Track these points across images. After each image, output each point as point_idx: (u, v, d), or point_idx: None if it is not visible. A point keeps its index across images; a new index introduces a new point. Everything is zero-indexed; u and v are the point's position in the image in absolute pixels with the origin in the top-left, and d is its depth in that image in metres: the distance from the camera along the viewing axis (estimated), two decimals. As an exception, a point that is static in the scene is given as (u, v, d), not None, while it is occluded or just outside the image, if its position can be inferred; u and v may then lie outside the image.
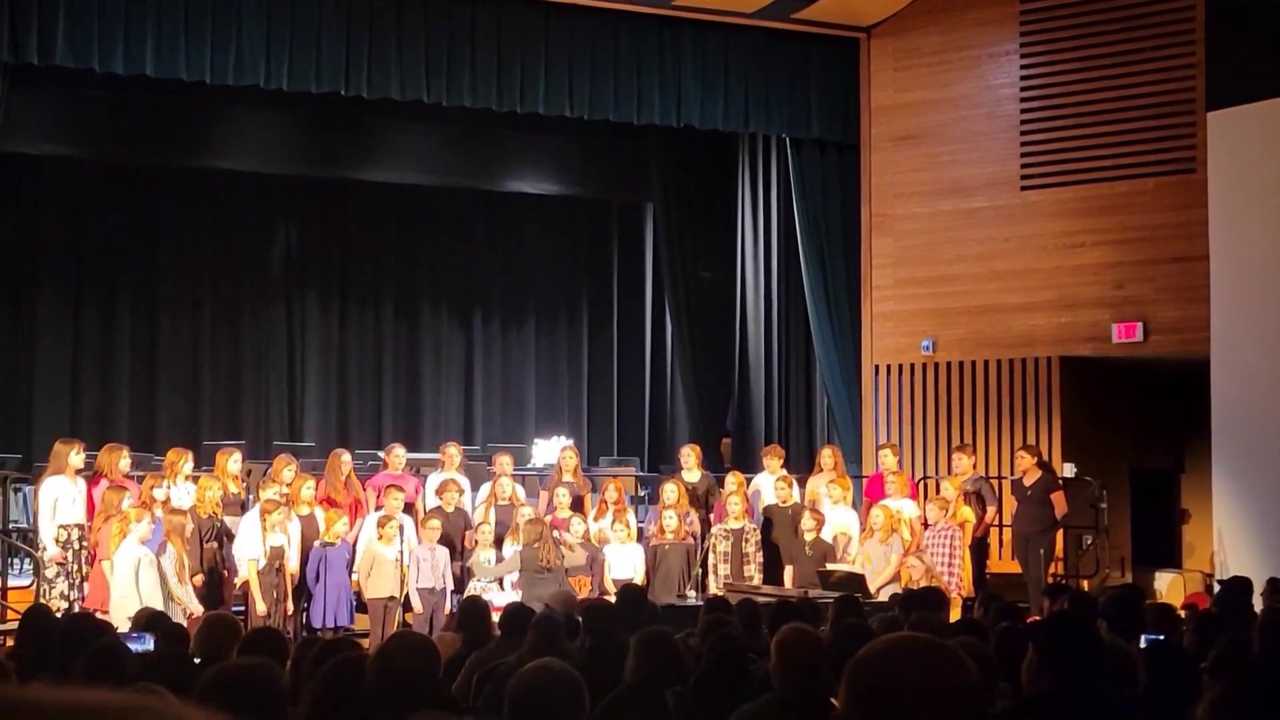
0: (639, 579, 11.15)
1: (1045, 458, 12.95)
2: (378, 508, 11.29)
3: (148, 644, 6.29)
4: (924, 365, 14.73)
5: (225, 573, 10.65)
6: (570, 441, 14.89)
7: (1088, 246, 13.91)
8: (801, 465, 14.23)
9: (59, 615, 9.06)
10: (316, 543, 10.67)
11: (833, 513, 12.06)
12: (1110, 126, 13.81)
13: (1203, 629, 6.26)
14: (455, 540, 11.45)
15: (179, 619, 8.63)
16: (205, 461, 11.92)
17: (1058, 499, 12.16)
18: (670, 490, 11.95)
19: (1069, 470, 13.43)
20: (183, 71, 12.50)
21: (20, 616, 8.17)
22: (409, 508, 11.53)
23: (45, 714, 0.67)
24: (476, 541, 11.39)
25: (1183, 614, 8.32)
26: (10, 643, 8.53)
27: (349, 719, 3.63)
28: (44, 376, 16.19)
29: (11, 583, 11.40)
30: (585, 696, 3.35)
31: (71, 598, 10.16)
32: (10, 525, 12.08)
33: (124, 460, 10.90)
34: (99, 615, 8.53)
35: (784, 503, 12.19)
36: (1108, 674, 4.19)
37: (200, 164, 16.50)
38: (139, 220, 16.68)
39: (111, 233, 16.58)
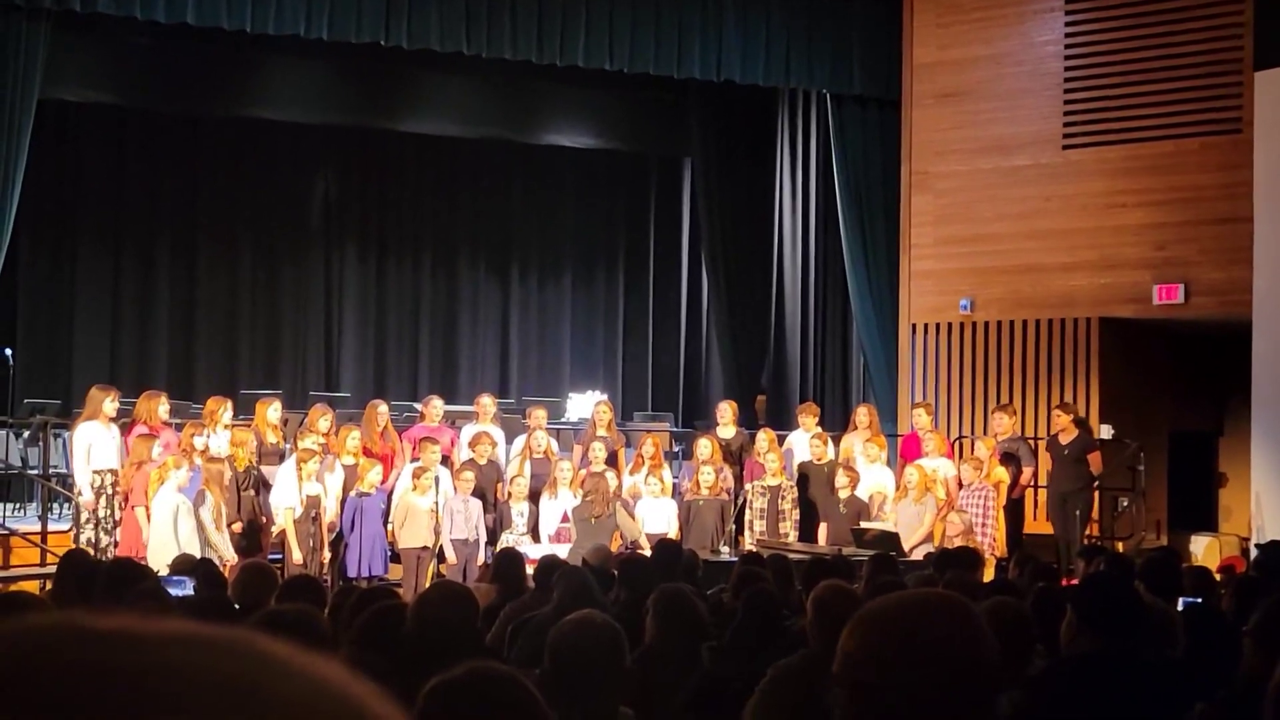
0: (672, 534, 11.16)
1: (1082, 416, 12.88)
2: (413, 459, 11.34)
3: (187, 588, 6.35)
4: (962, 324, 14.65)
5: (263, 520, 10.72)
6: (605, 396, 14.91)
7: (1130, 207, 13.77)
8: (836, 423, 14.20)
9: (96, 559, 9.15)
10: (352, 492, 10.73)
11: (868, 471, 12.04)
12: (1155, 85, 13.64)
13: (1241, 592, 6.22)
14: (488, 492, 11.49)
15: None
16: (244, 410, 11.98)
17: (1094, 458, 12.10)
18: (705, 446, 11.95)
19: (1107, 432, 13.36)
20: (224, 20, 12.49)
21: (59, 560, 8.25)
22: (444, 460, 11.57)
23: (137, 646, 0.66)
24: (510, 494, 11.43)
25: (1218, 577, 8.29)
26: (50, 586, 8.62)
27: (389, 666, 3.65)
28: (84, 323, 16.31)
29: (51, 527, 11.51)
30: (626, 649, 3.35)
31: (102, 543, 10.21)
32: (50, 470, 12.21)
33: (163, 407, 10.97)
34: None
35: (819, 460, 12.18)
36: (1148, 635, 4.18)
37: (240, 113, 16.53)
38: (179, 169, 16.75)
39: (152, 181, 16.65)
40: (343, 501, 10.74)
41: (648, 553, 9.80)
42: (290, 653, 0.69)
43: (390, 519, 10.95)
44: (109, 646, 0.66)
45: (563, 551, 10.08)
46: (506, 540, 10.91)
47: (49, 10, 12.15)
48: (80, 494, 10.35)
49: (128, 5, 12.19)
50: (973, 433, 14.06)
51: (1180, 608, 5.84)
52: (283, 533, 10.49)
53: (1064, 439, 12.22)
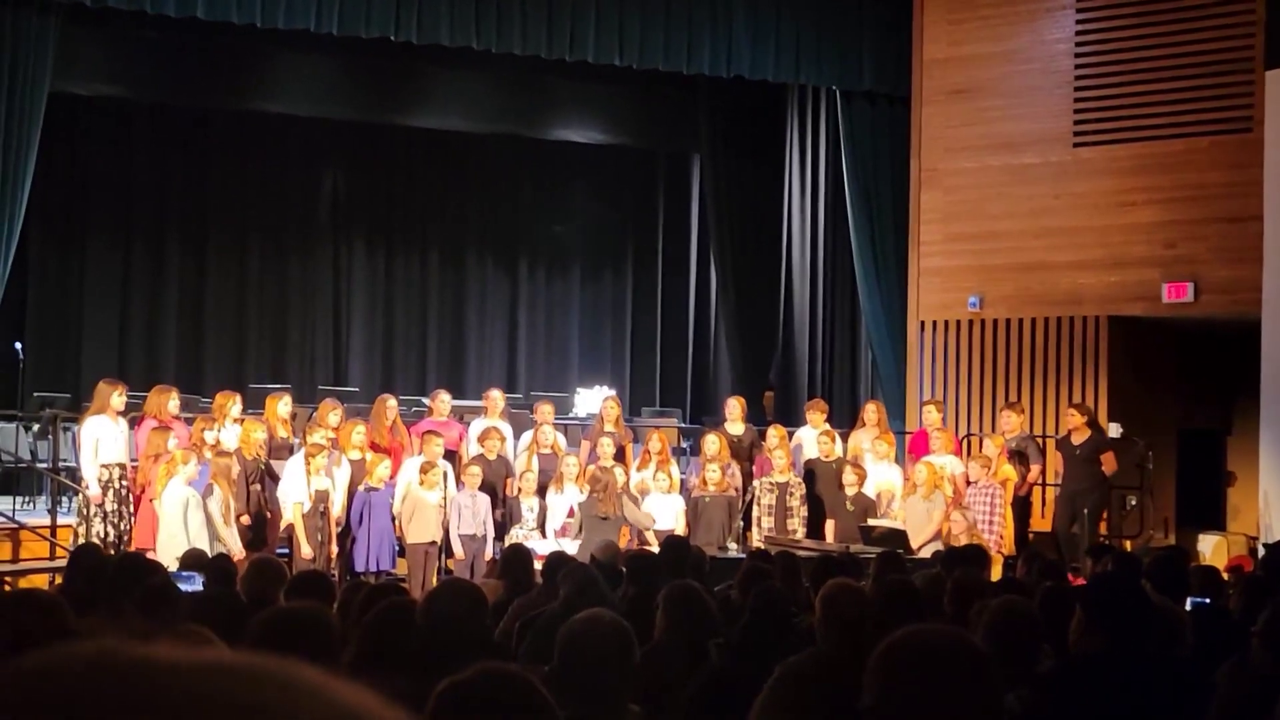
0: (680, 530, 11.17)
1: (1095, 417, 12.85)
2: (420, 453, 11.35)
3: (197, 584, 6.36)
4: (970, 322, 14.64)
5: (270, 515, 10.73)
6: (613, 391, 14.92)
7: (1139, 205, 13.75)
8: (844, 420, 14.20)
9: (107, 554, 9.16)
10: (360, 487, 10.74)
11: (876, 469, 12.03)
12: (1166, 84, 13.62)
13: (1249, 592, 6.21)
14: (497, 488, 11.50)
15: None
16: (252, 405, 12.00)
17: (1107, 459, 12.07)
18: (712, 442, 11.94)
19: (1115, 430, 13.34)
20: (234, 14, 12.51)
21: (69, 554, 8.26)
22: (452, 454, 11.58)
23: (173, 675, 0.67)
24: (519, 489, 11.44)
25: (1226, 576, 8.28)
26: (59, 580, 8.64)
27: (398, 663, 3.66)
28: (93, 317, 16.34)
29: (60, 521, 11.53)
30: (635, 648, 3.36)
31: (108, 537, 10.21)
32: (59, 464, 12.23)
33: (173, 402, 10.98)
34: (147, 555, 8.61)
35: (827, 457, 12.18)
36: (1156, 635, 4.18)
37: (249, 107, 16.55)
38: (188, 163, 16.77)
39: (161, 175, 16.68)
40: (351, 496, 10.75)
41: (653, 543, 9.82)
42: (324, 680, 0.69)
43: (396, 513, 10.93)
44: (145, 676, 0.66)
45: (570, 547, 10.09)
46: (515, 535, 10.91)
47: (60, 4, 12.17)
48: (87, 488, 10.37)
49: (138, -1, 12.22)
50: (980, 430, 14.05)
51: (1188, 607, 5.84)
52: (290, 527, 10.49)
53: (1076, 439, 12.18)
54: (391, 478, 11.01)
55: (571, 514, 11.20)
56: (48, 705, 0.65)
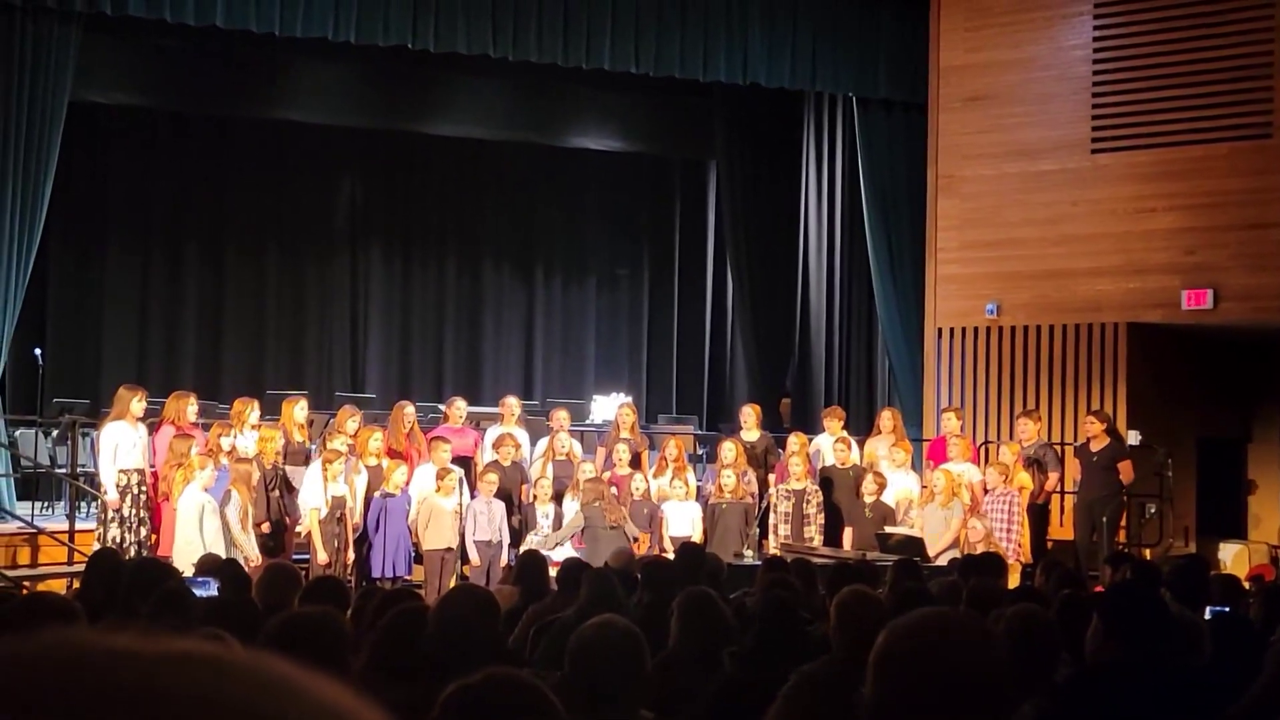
0: (696, 537, 11.15)
1: (1114, 425, 12.79)
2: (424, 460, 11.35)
3: (212, 589, 6.37)
4: (988, 329, 14.60)
5: (287, 521, 10.74)
6: (629, 398, 14.91)
7: (1158, 211, 13.69)
8: (861, 428, 14.17)
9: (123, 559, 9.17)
10: (377, 493, 10.75)
11: (893, 476, 12.00)
12: (1184, 90, 13.57)
13: (1270, 601, 6.17)
14: (513, 494, 11.50)
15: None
16: (270, 411, 12.02)
17: (1125, 467, 12.01)
18: (728, 449, 11.93)
19: (1134, 437, 13.28)
20: (252, 23, 12.55)
21: (87, 559, 8.28)
22: (468, 461, 11.59)
23: (145, 667, 0.66)
24: (535, 496, 11.43)
25: (1248, 585, 8.23)
26: (77, 585, 8.66)
27: (410, 669, 3.65)
28: (112, 324, 16.41)
29: (79, 525, 11.55)
30: (647, 654, 3.35)
31: (127, 543, 10.23)
32: (78, 469, 12.26)
33: (191, 407, 10.99)
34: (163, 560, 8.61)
35: (843, 464, 12.16)
36: (1174, 644, 4.15)
37: (268, 115, 16.61)
38: (207, 170, 16.83)
39: (180, 183, 16.73)
40: (367, 502, 10.76)
41: (669, 550, 9.80)
42: (303, 677, 0.68)
43: (411, 520, 10.92)
44: (116, 667, 0.65)
45: (581, 553, 10.08)
46: (531, 542, 10.91)
47: (80, 13, 12.22)
48: (105, 493, 10.40)
49: (157, 8, 12.25)
50: (998, 438, 14.00)
51: (1207, 616, 5.80)
52: (309, 533, 10.50)
53: (1094, 446, 12.12)
54: (407, 484, 11.01)
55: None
56: (15, 693, 0.64)
